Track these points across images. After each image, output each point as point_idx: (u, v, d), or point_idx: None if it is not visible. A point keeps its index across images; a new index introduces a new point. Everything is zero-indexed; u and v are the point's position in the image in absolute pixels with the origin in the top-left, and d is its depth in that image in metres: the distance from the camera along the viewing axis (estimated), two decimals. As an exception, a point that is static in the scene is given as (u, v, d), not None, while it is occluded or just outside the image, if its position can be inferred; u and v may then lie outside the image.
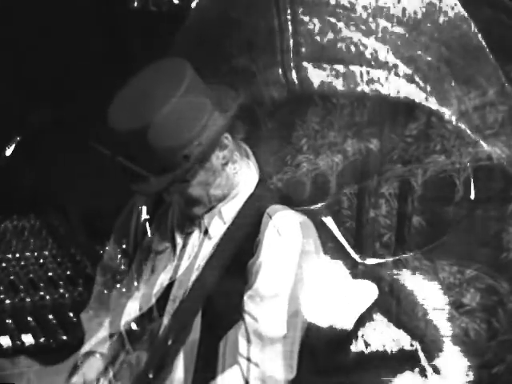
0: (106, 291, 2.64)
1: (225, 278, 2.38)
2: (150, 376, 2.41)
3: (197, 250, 2.44)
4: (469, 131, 2.57)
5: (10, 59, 3.15)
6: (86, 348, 2.61)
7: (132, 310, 2.53)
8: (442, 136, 2.64)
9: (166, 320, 2.42)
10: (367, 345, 2.60)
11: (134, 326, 2.51)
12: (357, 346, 2.59)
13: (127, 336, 2.51)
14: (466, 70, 2.59)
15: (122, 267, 2.60)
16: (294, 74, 2.67)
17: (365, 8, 2.59)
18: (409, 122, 2.66)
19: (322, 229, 2.59)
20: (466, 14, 2.55)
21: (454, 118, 2.58)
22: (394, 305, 2.62)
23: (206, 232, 2.45)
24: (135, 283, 2.53)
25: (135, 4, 3.35)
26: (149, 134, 2.24)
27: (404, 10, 2.56)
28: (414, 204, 2.65)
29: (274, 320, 2.35)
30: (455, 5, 2.53)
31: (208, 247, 2.43)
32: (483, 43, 2.53)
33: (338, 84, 2.64)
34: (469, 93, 2.60)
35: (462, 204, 2.60)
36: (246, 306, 2.34)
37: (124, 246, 2.63)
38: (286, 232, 2.40)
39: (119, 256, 2.62)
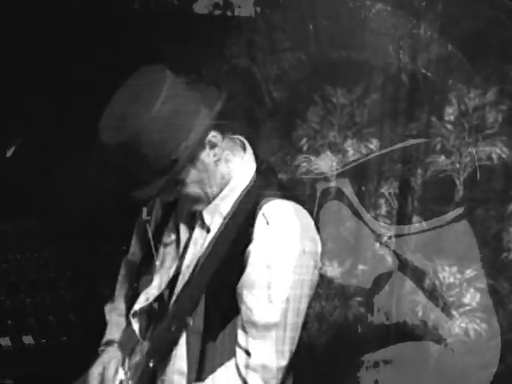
0: (126, 284, 2.68)
1: (224, 270, 2.41)
2: (151, 365, 2.44)
3: (198, 243, 2.48)
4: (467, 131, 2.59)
5: (9, 59, 3.16)
6: (106, 337, 2.64)
7: (142, 300, 2.56)
8: (441, 136, 2.64)
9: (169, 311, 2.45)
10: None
11: (141, 316, 2.54)
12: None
13: (137, 325, 2.55)
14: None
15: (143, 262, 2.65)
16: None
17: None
18: (409, 121, 2.67)
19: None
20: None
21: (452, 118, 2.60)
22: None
23: (205, 226, 2.49)
24: (148, 275, 2.57)
25: (136, 5, 3.37)
26: (136, 145, 2.30)
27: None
28: (414, 204, 2.66)
29: (264, 307, 2.35)
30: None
31: (207, 240, 2.46)
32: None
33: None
34: (469, 93, 2.61)
35: (462, 204, 2.61)
36: (240, 296, 2.37)
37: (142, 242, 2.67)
38: (274, 220, 2.40)
39: (140, 251, 2.67)
